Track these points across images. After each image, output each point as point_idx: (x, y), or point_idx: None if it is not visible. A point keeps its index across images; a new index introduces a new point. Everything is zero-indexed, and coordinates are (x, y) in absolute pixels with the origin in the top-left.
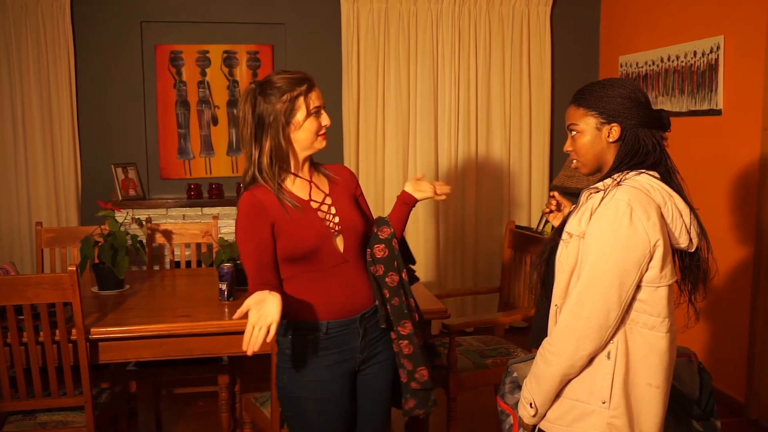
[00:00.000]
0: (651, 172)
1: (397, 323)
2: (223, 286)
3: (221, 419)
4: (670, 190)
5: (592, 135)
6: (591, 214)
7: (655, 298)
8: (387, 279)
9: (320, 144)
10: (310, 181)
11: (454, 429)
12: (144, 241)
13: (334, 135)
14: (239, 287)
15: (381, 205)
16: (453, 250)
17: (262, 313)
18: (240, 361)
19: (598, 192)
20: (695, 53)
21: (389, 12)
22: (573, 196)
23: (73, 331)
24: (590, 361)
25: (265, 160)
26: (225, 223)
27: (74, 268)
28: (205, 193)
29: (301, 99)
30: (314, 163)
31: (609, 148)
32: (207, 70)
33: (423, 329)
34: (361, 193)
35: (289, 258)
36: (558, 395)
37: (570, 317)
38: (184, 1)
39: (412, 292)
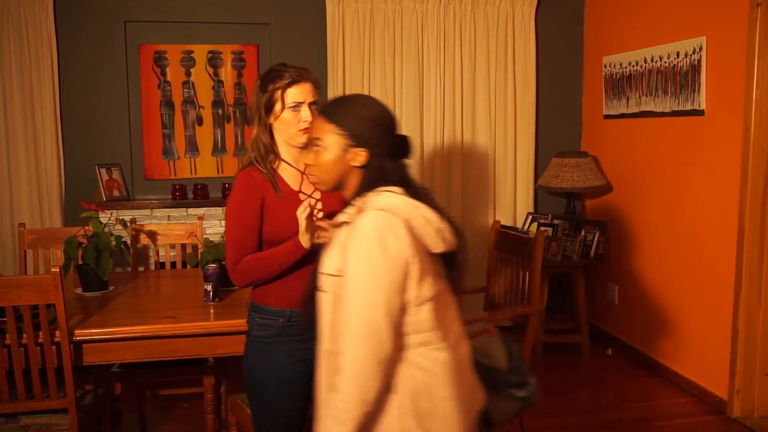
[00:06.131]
0: (392, 188)
1: None
2: (208, 287)
3: (207, 421)
4: (415, 201)
5: (336, 155)
6: (344, 249)
7: (420, 315)
8: None
9: (300, 138)
10: (303, 173)
11: None
12: (128, 242)
13: None
14: (224, 288)
15: None
16: None
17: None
18: (225, 363)
19: (346, 225)
20: (678, 54)
21: (374, 12)
22: (558, 196)
23: (57, 332)
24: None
25: (256, 143)
26: (210, 224)
27: (57, 270)
28: (190, 194)
29: (279, 92)
30: None
31: (352, 171)
32: (192, 70)
33: None
34: None
35: (268, 241)
36: None
37: (348, 363)
38: (168, 0)
39: None
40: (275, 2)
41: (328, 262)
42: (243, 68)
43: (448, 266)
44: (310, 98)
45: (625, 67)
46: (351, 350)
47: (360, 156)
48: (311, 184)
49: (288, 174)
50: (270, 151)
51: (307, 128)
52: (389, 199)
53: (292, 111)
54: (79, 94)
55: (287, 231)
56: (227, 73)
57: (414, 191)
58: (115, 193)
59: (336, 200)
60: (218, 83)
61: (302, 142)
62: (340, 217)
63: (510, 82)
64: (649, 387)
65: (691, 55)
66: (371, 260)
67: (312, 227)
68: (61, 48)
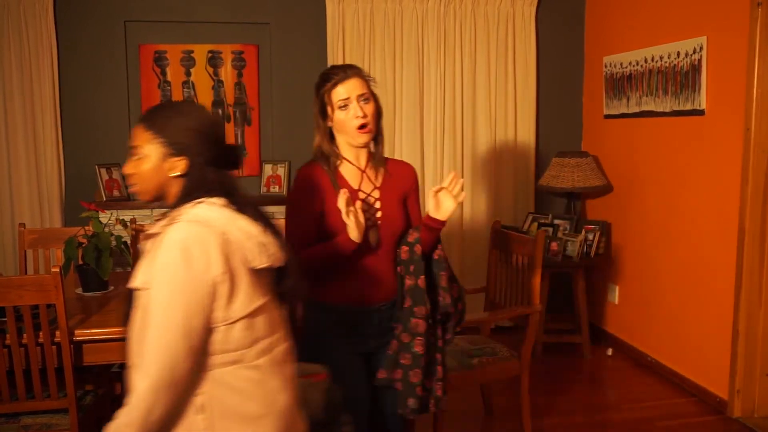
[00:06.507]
0: (212, 200)
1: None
2: None
3: None
4: (235, 214)
5: (155, 164)
6: (151, 262)
7: (231, 333)
8: (404, 280)
9: (360, 138)
10: (363, 171)
11: (440, 429)
12: (128, 242)
13: None
14: None
15: None
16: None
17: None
18: None
19: (157, 236)
20: (678, 54)
21: (374, 12)
22: (558, 196)
23: (57, 333)
24: (180, 422)
25: (318, 150)
26: None
27: (58, 270)
28: None
29: (326, 96)
30: (375, 156)
31: (172, 181)
32: (192, 70)
33: (428, 339)
34: (415, 194)
35: (324, 236)
36: None
37: (139, 381)
38: (168, 0)
39: (425, 302)
40: (275, 2)
41: (139, 275)
42: (243, 68)
43: (277, 282)
44: (357, 92)
45: (626, 67)
46: (144, 369)
47: (179, 165)
48: (370, 182)
49: (348, 172)
50: (332, 154)
51: (362, 124)
52: (205, 211)
53: (343, 110)
54: (79, 94)
55: (340, 230)
56: (227, 73)
57: (239, 203)
58: (115, 193)
59: (395, 198)
60: (218, 83)
61: (362, 142)
62: (152, 229)
63: (510, 82)
64: (649, 387)
65: (691, 55)
66: (173, 277)
67: (359, 222)
68: (61, 48)
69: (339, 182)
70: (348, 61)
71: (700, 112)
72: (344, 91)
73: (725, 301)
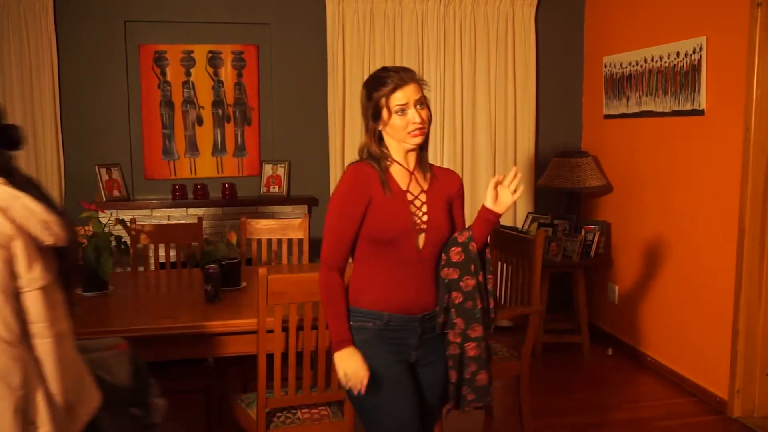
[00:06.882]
0: None
1: (467, 326)
2: (209, 287)
3: (206, 421)
4: (16, 192)
5: None
6: None
7: (33, 303)
8: (461, 283)
9: (412, 141)
10: (412, 173)
11: (439, 427)
12: (128, 242)
13: (320, 135)
14: (225, 288)
15: None
16: None
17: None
18: (225, 363)
19: None
20: (678, 54)
21: (374, 12)
22: (558, 196)
23: None
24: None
25: (364, 150)
26: (210, 224)
27: None
28: (190, 194)
29: (384, 100)
30: (423, 160)
31: None
32: (192, 70)
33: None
34: (459, 200)
35: (370, 238)
36: None
37: None
38: (168, 0)
39: (493, 296)
40: (275, 2)
41: None
42: (243, 68)
43: (59, 261)
44: (414, 97)
45: (626, 67)
46: None
47: None
48: (418, 185)
49: (398, 173)
50: (382, 156)
51: (416, 129)
52: None
53: (400, 115)
54: (79, 94)
55: (388, 231)
56: (227, 73)
57: (19, 183)
58: (115, 193)
59: (441, 203)
60: (218, 83)
61: (416, 143)
62: None
63: (510, 82)
64: (650, 387)
65: (691, 55)
66: None
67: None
68: (61, 48)
69: (389, 182)
70: (348, 62)
71: (700, 112)
72: (403, 96)
73: (725, 301)
